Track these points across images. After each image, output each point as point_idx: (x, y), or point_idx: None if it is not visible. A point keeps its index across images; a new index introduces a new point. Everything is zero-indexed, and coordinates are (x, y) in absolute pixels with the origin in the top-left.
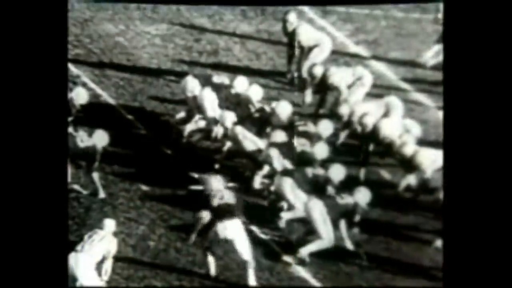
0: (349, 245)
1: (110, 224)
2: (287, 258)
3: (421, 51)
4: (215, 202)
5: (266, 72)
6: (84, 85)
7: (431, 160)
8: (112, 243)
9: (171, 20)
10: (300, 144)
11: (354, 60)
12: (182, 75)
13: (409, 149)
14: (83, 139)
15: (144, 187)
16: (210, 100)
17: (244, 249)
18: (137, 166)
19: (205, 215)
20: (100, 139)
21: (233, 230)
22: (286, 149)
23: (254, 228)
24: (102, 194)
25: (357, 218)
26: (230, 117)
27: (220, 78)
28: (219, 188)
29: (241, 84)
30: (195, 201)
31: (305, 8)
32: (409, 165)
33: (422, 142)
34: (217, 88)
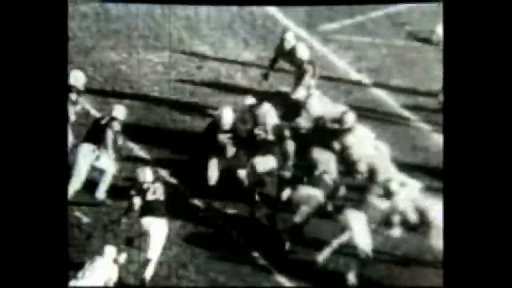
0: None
1: (111, 251)
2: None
3: (422, 79)
4: (148, 196)
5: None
6: (87, 113)
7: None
8: (113, 270)
9: (173, 48)
10: None
11: (355, 87)
12: (184, 103)
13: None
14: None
15: None
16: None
17: (157, 248)
18: None
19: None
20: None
21: (156, 227)
22: None
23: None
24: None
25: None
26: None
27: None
28: (149, 181)
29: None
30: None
31: (306, 36)
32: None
33: (423, 169)
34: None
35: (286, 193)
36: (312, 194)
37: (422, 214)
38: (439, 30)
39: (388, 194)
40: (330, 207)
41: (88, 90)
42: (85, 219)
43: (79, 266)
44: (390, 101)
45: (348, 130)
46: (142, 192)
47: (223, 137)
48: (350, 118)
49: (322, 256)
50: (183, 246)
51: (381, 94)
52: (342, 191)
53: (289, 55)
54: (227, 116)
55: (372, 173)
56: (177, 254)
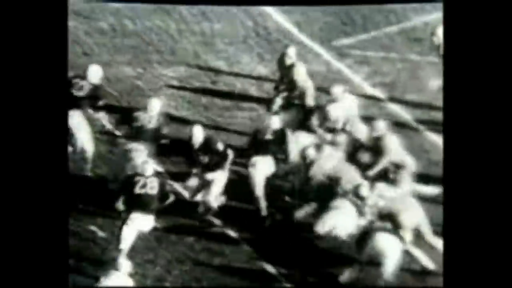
0: None
1: (126, 265)
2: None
3: (437, 94)
4: (136, 190)
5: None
6: (103, 128)
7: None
8: (128, 284)
9: (188, 63)
10: None
11: (370, 102)
12: (199, 117)
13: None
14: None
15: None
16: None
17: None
18: None
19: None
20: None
21: (141, 224)
22: None
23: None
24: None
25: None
26: None
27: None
28: (148, 174)
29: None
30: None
31: (321, 50)
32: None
33: (439, 183)
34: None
35: (303, 211)
36: (345, 214)
37: (391, 218)
38: (439, 31)
39: (360, 199)
40: (363, 225)
41: (103, 107)
42: (101, 233)
43: (95, 280)
44: (405, 116)
45: (380, 138)
46: (130, 185)
47: (197, 154)
48: (381, 125)
49: (347, 275)
50: (196, 260)
51: (396, 109)
52: (370, 211)
53: (287, 70)
54: (197, 134)
55: (336, 183)
56: (191, 268)
